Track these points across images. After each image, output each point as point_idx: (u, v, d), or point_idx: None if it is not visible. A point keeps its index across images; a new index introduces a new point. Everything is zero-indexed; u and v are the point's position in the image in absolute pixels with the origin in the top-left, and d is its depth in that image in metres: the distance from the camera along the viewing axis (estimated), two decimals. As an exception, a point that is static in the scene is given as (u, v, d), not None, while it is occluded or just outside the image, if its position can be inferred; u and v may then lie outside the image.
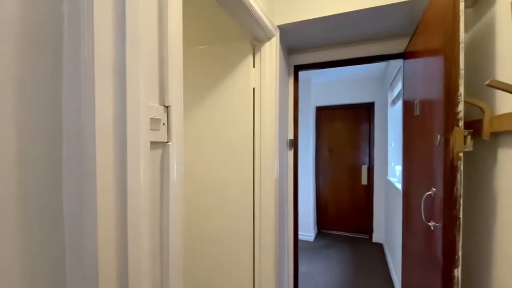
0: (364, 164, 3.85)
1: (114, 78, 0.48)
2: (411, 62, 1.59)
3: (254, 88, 1.58)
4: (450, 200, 0.95)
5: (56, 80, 0.46)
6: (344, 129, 3.97)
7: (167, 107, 0.68)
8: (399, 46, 1.73)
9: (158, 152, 0.66)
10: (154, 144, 0.64)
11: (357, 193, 3.88)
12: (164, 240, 0.67)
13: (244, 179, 1.59)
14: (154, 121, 0.63)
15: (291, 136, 2.10)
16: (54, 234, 0.45)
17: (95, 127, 0.45)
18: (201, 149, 1.66)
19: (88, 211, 0.45)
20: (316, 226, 4.03)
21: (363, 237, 3.81)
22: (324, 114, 4.08)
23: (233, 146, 1.59)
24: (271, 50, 1.57)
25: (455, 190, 0.94)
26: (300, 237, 3.72)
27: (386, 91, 3.35)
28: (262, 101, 1.58)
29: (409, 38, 1.64)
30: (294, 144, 2.12)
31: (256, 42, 1.56)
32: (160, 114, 0.66)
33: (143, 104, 0.55)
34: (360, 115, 3.90)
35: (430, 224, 1.08)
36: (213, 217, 1.65)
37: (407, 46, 1.66)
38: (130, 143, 0.50)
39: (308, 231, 3.75)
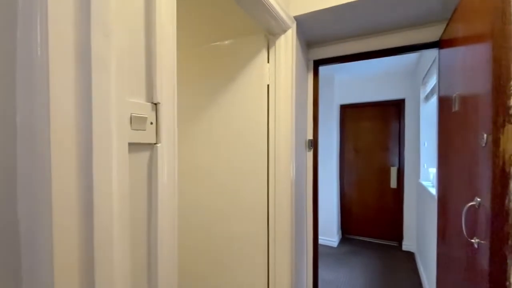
0: (393, 166, 3.57)
1: (76, 68, 0.41)
2: (448, 51, 1.39)
3: (268, 85, 1.48)
4: (500, 213, 0.78)
5: (9, 71, 0.39)
6: (371, 128, 3.72)
7: (155, 104, 0.60)
8: (433, 33, 1.53)
9: (144, 155, 0.59)
10: (137, 146, 0.57)
11: (386, 197, 3.62)
12: (153, 258, 0.59)
13: (258, 180, 1.49)
14: (138, 120, 0.56)
15: (310, 136, 1.97)
16: (8, 265, 0.39)
17: (49, 126, 0.37)
18: (212, 149, 1.58)
19: (42, 229, 0.37)
20: (340, 231, 3.83)
21: (392, 244, 3.54)
22: (349, 112, 3.85)
23: (246, 146, 1.50)
24: (287, 44, 1.45)
25: (506, 201, 0.77)
26: (322, 242, 3.55)
27: (418, 86, 3.07)
28: (277, 99, 1.47)
29: (445, 24, 1.44)
30: (313, 144, 1.98)
31: (270, 35, 1.45)
32: (146, 112, 0.58)
33: (118, 99, 0.47)
34: (389, 113, 3.62)
35: (473, 240, 0.91)
36: (225, 220, 1.57)
37: (443, 33, 1.46)
38: (97, 145, 0.43)
39: (331, 236, 3.56)
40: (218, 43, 1.56)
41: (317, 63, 1.88)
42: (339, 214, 3.83)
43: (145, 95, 0.59)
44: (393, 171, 3.55)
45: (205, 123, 1.60)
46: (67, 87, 0.40)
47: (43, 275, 0.37)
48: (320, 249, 3.32)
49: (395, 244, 3.52)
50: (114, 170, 0.45)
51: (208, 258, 1.64)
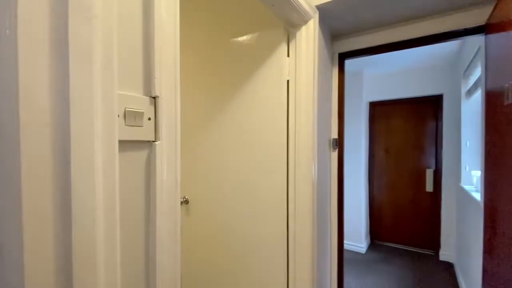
0: (429, 168, 3.28)
1: (51, 56, 0.36)
2: (497, 37, 1.20)
3: (288, 81, 1.39)
4: None
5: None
6: (404, 127, 3.45)
7: (154, 98, 0.55)
8: (477, 17, 1.34)
9: (141, 153, 0.53)
10: (132, 144, 0.52)
11: (420, 201, 3.33)
12: (151, 274, 0.54)
13: (277, 181, 1.41)
14: (133, 115, 0.51)
15: (335, 135, 1.84)
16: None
17: (19, 121, 0.33)
18: (228, 149, 1.53)
19: (11, 237, 0.33)
20: (368, 236, 3.60)
21: (427, 253, 3.25)
22: (379, 110, 3.61)
23: (264, 145, 1.42)
24: (308, 36, 1.35)
25: None
26: (348, 247, 3.36)
27: (459, 80, 2.78)
28: (298, 95, 1.37)
29: (493, 5, 1.25)
30: (338, 144, 1.85)
31: (290, 27, 1.36)
32: (143, 106, 0.53)
33: (104, 92, 0.42)
34: (424, 110, 3.34)
35: (533, 260, 0.75)
36: (242, 222, 1.51)
37: (490, 16, 1.27)
38: (76, 143, 0.38)
39: (358, 241, 3.36)
40: (233, 39, 1.50)
41: (343, 56, 1.75)
42: (368, 219, 3.61)
43: (142, 88, 0.54)
44: (429, 174, 3.26)
45: (221, 122, 1.55)
46: (39, 77, 0.35)
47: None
48: (346, 255, 3.15)
49: (431, 253, 3.24)
50: (98, 170, 0.40)
51: (222, 264, 1.58)
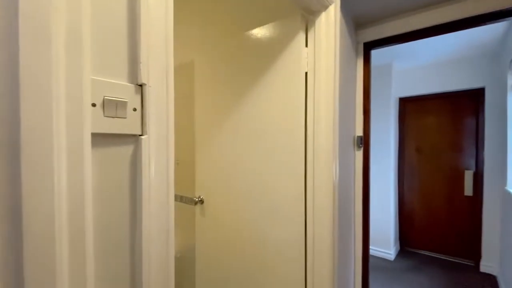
0: (468, 169, 2.97)
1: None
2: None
3: (306, 73, 1.28)
4: None
5: None
6: (439, 125, 3.16)
7: (140, 85, 0.48)
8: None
9: (124, 149, 0.47)
10: (112, 138, 0.45)
11: (458, 206, 3.03)
12: (137, 277, 0.48)
13: (294, 181, 1.30)
14: (113, 105, 0.44)
15: (359, 132, 1.70)
16: None
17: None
18: (242, 147, 1.45)
19: None
20: (398, 242, 3.35)
21: (466, 263, 2.95)
22: (410, 106, 3.35)
23: (280, 144, 1.32)
24: (328, 23, 1.23)
25: None
26: (375, 253, 3.15)
27: (504, 71, 2.47)
28: (317, 89, 1.26)
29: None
30: (364, 142, 1.70)
31: (308, 14, 1.25)
32: (127, 94, 0.46)
33: (70, 76, 0.36)
34: (462, 105, 3.03)
35: None
36: (257, 226, 1.42)
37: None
38: (30, 135, 0.31)
39: (386, 247, 3.13)
40: (248, 32, 1.42)
41: (368, 46, 1.60)
42: (397, 223, 3.36)
43: (127, 74, 0.47)
44: (468, 176, 2.95)
45: (236, 119, 1.48)
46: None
47: None
48: (372, 262, 2.96)
49: (470, 263, 2.93)
50: (60, 168, 0.34)
51: (239, 263, 1.51)
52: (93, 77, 0.41)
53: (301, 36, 1.26)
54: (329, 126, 1.25)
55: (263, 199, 1.40)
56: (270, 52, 1.34)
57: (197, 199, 1.67)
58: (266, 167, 1.37)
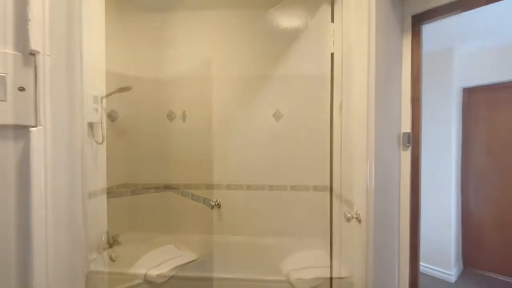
0: (561, 176, 2.33)
1: None
2: None
3: (332, 54, 1.04)
4: None
5: None
6: (517, 119, 2.55)
7: (32, 54, 0.34)
8: None
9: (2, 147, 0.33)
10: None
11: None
12: None
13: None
14: (-24, 81, 0.30)
15: (407, 128, 1.38)
16: None
17: None
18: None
19: None
20: (460, 261, 2.81)
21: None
22: (477, 98, 2.77)
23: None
24: (360, -11, 0.98)
25: None
26: (430, 272, 2.69)
27: None
28: (345, 74, 1.02)
29: None
30: (413, 140, 1.38)
31: (334, -18, 1.02)
32: (8, 67, 0.32)
33: None
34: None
35: None
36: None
37: None
38: None
39: (445, 267, 2.64)
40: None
41: (418, 20, 1.27)
42: (460, 238, 2.82)
43: (9, 37, 0.33)
44: (562, 184, 2.31)
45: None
46: None
47: None
48: (428, 283, 2.52)
49: None
50: None
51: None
52: None
53: (326, 9, 1.02)
54: (361, 119, 0.99)
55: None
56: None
57: (214, 203, 1.54)
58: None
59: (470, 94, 2.81)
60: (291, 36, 1.13)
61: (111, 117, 1.88)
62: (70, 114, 0.38)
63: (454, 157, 2.70)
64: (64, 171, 0.37)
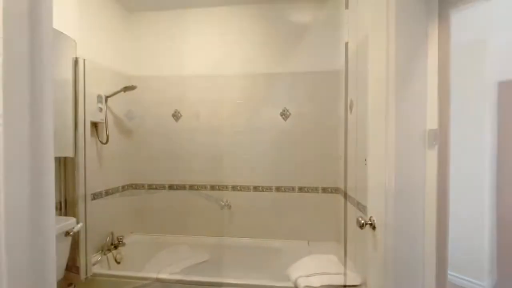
0: None
1: None
2: None
3: (347, 43, 0.96)
4: None
5: None
6: None
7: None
8: None
9: None
10: None
11: None
12: None
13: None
14: None
15: (433, 125, 1.25)
16: None
17: None
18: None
19: None
20: (495, 270, 2.58)
21: None
22: (515, 92, 2.52)
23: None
24: (378, -31, 0.88)
25: None
26: (459, 282, 2.49)
27: None
28: (361, 65, 0.93)
29: None
30: (441, 138, 1.25)
31: (349, -37, 0.93)
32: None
33: None
34: None
35: None
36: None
37: None
38: None
39: (478, 276, 2.44)
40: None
41: (447, 4, 1.15)
42: (495, 246, 2.58)
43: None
44: None
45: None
46: None
47: None
48: (456, 294, 2.33)
49: None
50: None
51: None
52: None
53: (339, -5, 0.95)
54: (379, 113, 0.90)
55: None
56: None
57: (223, 203, 1.50)
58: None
59: (508, 89, 2.56)
60: (302, 30, 1.06)
61: (128, 117, 1.90)
62: (28, 109, 0.34)
63: (488, 158, 2.48)
64: (19, 192, 0.33)
